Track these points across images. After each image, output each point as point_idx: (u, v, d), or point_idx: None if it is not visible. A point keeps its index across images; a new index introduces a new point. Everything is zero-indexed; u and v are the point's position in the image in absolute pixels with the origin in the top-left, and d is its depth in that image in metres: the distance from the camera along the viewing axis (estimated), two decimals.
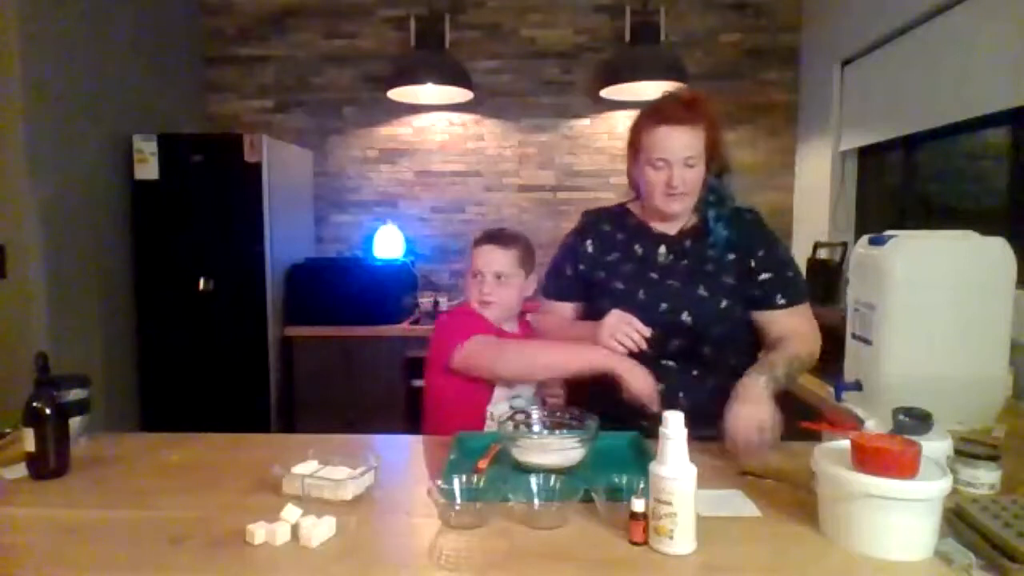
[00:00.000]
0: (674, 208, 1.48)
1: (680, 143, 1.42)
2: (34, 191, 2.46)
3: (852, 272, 1.58)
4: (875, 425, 1.21)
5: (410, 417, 3.04)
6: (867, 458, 0.95)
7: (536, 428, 1.36)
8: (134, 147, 2.96)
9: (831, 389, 1.60)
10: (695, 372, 1.49)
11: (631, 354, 1.40)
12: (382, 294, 3.19)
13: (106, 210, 2.89)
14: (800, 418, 1.34)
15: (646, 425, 1.36)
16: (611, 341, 1.38)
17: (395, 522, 1.07)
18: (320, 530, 0.98)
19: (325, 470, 1.18)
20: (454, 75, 3.25)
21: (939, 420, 1.15)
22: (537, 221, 3.65)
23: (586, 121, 3.64)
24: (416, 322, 3.27)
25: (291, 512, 1.01)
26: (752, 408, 1.26)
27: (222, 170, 3.01)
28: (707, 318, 1.47)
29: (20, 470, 1.24)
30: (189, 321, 3.04)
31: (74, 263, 2.67)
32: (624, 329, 1.37)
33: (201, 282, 3.01)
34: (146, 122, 3.09)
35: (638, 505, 0.97)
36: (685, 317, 1.46)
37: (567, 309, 1.63)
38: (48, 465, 1.23)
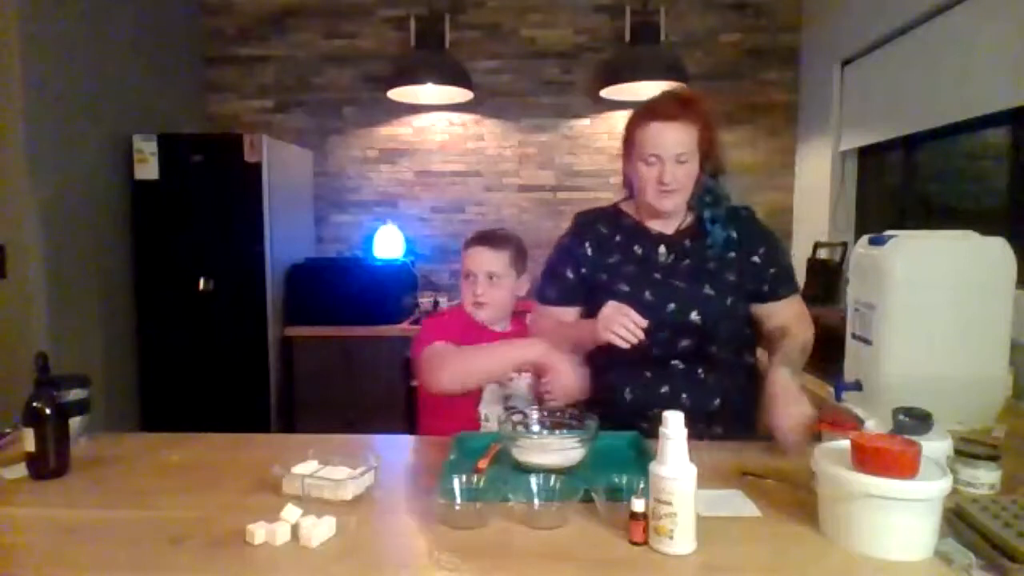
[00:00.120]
0: (666, 205, 1.48)
1: (672, 139, 1.42)
2: (34, 191, 2.46)
3: (852, 272, 1.59)
4: (875, 425, 1.21)
5: (410, 417, 3.04)
6: (867, 458, 0.95)
7: (536, 428, 1.36)
8: (134, 147, 2.97)
9: (831, 389, 1.61)
10: (700, 371, 1.49)
11: (638, 356, 1.39)
12: (382, 294, 3.19)
13: (106, 210, 2.89)
14: None
15: (646, 427, 1.36)
16: (608, 334, 1.35)
17: (395, 522, 1.07)
18: (320, 530, 0.98)
19: (325, 470, 1.18)
20: (454, 75, 3.25)
21: (939, 420, 1.15)
22: (537, 221, 3.65)
23: (586, 121, 3.64)
24: (416, 322, 3.26)
25: (291, 512, 1.01)
26: (798, 408, 1.30)
27: (222, 170, 3.01)
28: (715, 316, 1.47)
29: (20, 470, 1.24)
30: (189, 321, 3.04)
31: (74, 263, 2.67)
32: (620, 320, 1.34)
33: (201, 282, 3.01)
34: (146, 122, 3.09)
35: (638, 505, 0.97)
36: (694, 316, 1.46)
37: (569, 314, 1.58)
38: (48, 465, 1.23)
